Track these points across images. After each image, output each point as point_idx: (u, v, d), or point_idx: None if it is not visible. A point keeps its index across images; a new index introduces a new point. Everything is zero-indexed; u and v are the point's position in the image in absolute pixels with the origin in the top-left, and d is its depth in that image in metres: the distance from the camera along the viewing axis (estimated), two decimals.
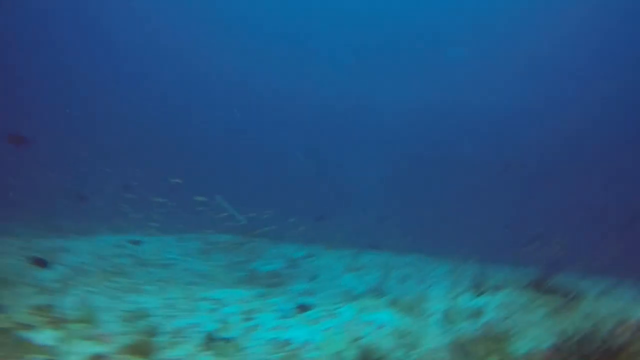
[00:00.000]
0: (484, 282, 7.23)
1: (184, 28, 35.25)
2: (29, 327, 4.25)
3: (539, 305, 5.78)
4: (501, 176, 18.70)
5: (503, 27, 29.06)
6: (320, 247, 11.88)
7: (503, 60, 29.90)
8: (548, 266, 8.36)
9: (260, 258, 10.99)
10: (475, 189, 18.87)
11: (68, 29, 33.55)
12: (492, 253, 10.07)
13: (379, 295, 6.78)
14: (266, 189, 19.84)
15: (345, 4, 31.67)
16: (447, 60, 28.74)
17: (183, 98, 33.30)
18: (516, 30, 29.14)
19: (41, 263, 5.82)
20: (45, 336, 4.17)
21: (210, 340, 4.60)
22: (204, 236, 11.74)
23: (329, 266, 10.35)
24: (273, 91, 32.84)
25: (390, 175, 22.47)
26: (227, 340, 4.83)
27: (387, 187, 21.26)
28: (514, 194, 17.65)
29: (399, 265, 9.92)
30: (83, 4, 32.60)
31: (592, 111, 24.38)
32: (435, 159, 23.22)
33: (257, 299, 7.10)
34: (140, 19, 34.39)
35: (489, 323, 5.27)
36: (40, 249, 8.01)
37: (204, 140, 28.43)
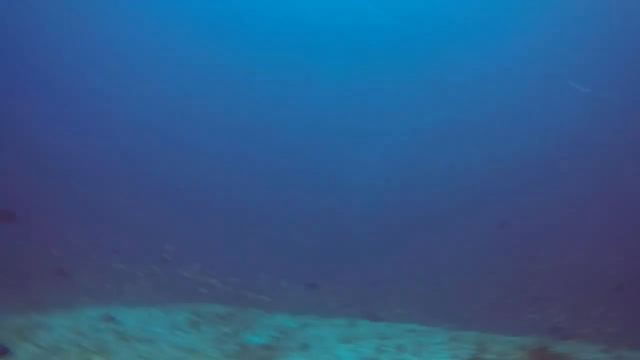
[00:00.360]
0: (484, 354, 6.88)
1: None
2: None
3: None
4: (496, 235, 18.49)
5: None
6: (313, 316, 11.46)
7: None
8: (549, 332, 8.03)
9: (251, 329, 10.53)
10: (468, 251, 18.61)
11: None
12: (490, 320, 9.68)
13: None
14: (257, 253, 19.41)
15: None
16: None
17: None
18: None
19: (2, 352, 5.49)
20: None
21: None
22: (192, 307, 11.29)
23: (323, 337, 9.90)
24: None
25: (383, 237, 22.20)
26: None
27: (380, 249, 20.94)
28: (510, 255, 17.35)
29: (394, 335, 9.48)
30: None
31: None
32: (427, 220, 23.14)
33: None
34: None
35: None
36: (12, 327, 7.58)
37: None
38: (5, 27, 30.54)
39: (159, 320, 10.18)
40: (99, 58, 34.24)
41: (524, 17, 29.68)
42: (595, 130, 25.40)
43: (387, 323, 10.40)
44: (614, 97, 25.40)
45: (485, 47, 31.46)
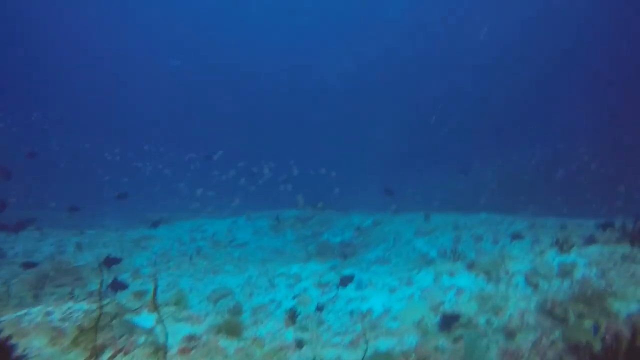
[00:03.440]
0: (568, 237, 6.73)
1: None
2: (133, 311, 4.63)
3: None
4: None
5: None
6: (387, 213, 11.75)
7: None
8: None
9: (329, 230, 11.13)
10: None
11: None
12: (571, 207, 9.34)
13: (455, 258, 6.58)
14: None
15: None
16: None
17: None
18: None
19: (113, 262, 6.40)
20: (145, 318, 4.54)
21: (292, 316, 4.74)
22: (273, 213, 12.01)
23: (400, 232, 10.21)
24: None
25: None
26: (307, 315, 4.95)
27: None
28: None
29: (470, 225, 9.54)
30: None
31: None
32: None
33: (331, 271, 7.20)
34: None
35: (582, 281, 4.91)
36: (130, 239, 8.75)
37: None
38: None
39: (245, 228, 11.12)
40: None
41: None
42: None
43: (462, 214, 10.42)
44: None
45: None
